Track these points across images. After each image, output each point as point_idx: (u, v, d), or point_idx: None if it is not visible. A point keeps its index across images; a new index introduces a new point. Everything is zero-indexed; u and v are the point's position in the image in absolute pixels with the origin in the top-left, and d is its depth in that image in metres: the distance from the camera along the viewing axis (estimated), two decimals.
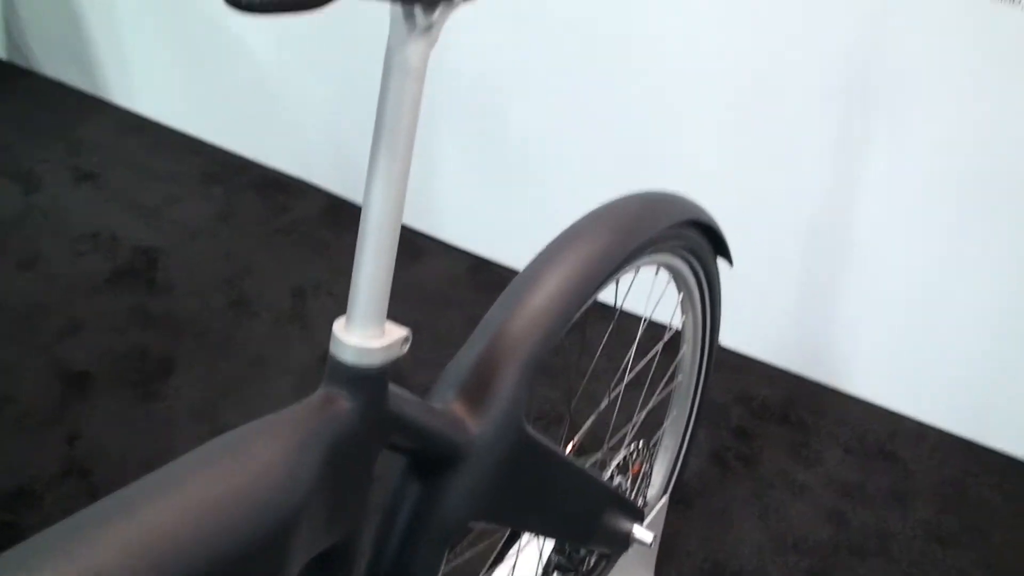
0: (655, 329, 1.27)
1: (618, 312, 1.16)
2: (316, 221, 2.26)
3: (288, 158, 2.41)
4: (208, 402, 1.75)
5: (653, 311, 1.20)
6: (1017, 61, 1.43)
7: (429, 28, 0.58)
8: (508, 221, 2.09)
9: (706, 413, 1.78)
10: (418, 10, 0.58)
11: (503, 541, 1.14)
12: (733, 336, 1.92)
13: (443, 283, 2.08)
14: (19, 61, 2.89)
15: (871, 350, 1.79)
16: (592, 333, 1.75)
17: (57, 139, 2.54)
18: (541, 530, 0.98)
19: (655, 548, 1.38)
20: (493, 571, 1.14)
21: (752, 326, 1.89)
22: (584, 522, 1.04)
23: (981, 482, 1.68)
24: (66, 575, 0.50)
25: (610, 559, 1.19)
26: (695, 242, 1.14)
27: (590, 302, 0.94)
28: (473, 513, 0.84)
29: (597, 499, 1.04)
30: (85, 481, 1.59)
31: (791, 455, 1.71)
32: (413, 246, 2.19)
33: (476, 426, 0.82)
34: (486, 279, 2.10)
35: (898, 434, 1.77)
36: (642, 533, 1.12)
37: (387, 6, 0.57)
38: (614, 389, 1.20)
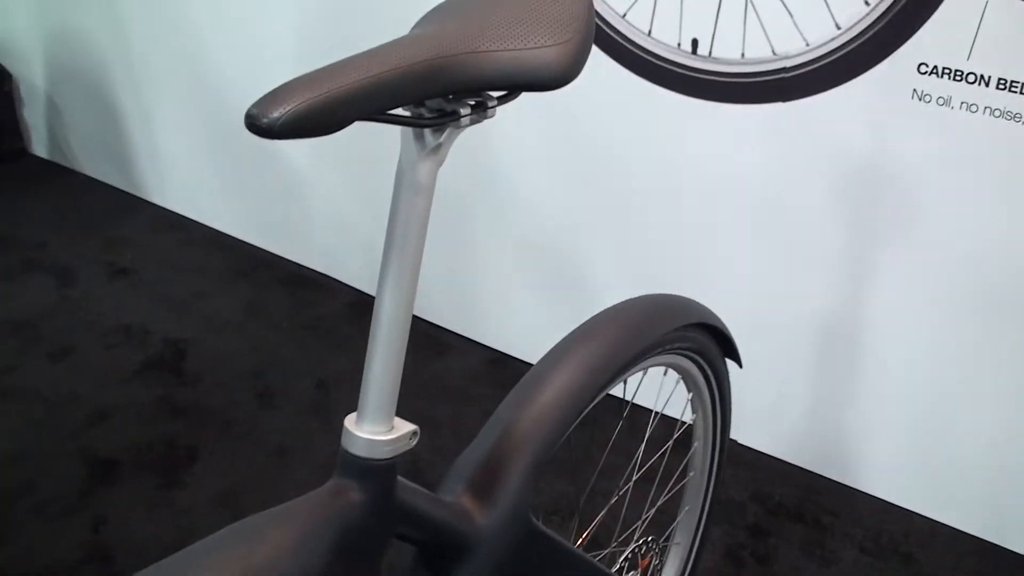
0: (667, 424, 1.30)
1: (629, 406, 1.19)
2: (340, 316, 2.32)
3: (315, 255, 2.49)
4: (230, 491, 1.78)
5: (664, 407, 1.24)
6: None
7: (438, 148, 0.64)
8: (533, 318, 2.14)
9: (721, 510, 1.79)
10: (427, 132, 0.63)
11: None
12: (751, 434, 1.94)
13: (465, 379, 2.12)
14: (60, 160, 3.01)
15: (886, 449, 1.80)
16: (606, 428, 1.78)
17: (93, 236, 2.63)
18: None
19: None
20: None
21: (770, 424, 1.91)
22: None
23: None
24: None
25: None
26: (703, 344, 1.18)
27: (597, 400, 0.98)
28: None
29: None
30: (107, 566, 1.62)
31: (806, 554, 1.71)
32: (438, 342, 2.24)
33: (483, 518, 0.85)
34: (507, 374, 2.14)
35: (912, 534, 1.77)
36: None
37: (399, 128, 0.63)
38: (624, 484, 1.22)
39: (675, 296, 1.14)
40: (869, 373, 1.76)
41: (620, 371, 1.00)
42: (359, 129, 2.18)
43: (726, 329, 1.20)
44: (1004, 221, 1.52)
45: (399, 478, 0.75)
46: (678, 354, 1.15)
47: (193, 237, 2.64)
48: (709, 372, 1.23)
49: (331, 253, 2.45)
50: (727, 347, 1.24)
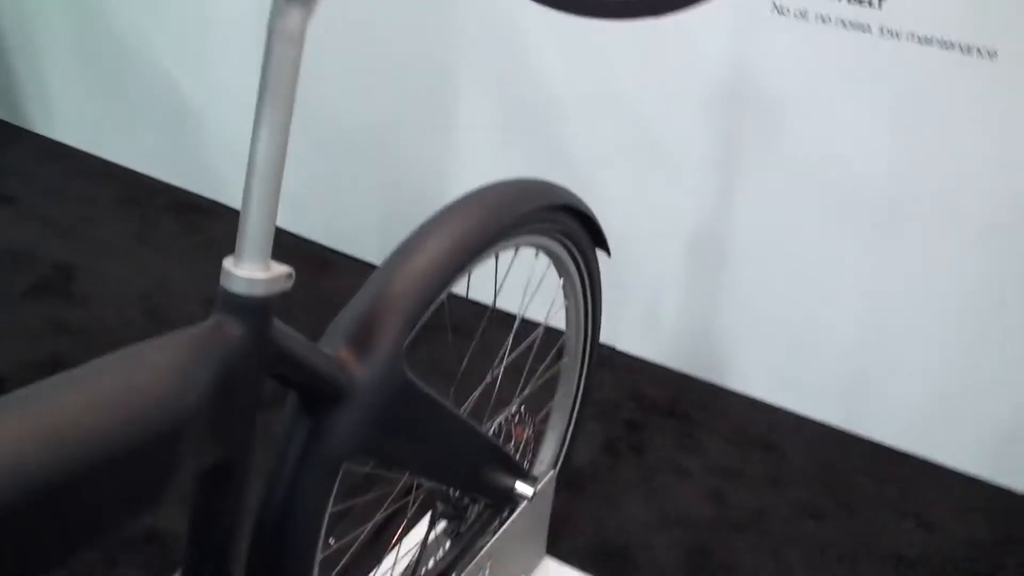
0: (539, 316, 1.38)
1: (497, 291, 1.27)
2: (229, 239, 2.33)
3: (204, 182, 2.50)
4: None
5: (534, 293, 1.32)
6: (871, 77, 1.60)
7: None
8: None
9: (599, 409, 1.89)
10: None
11: (397, 491, 1.23)
12: (628, 341, 2.05)
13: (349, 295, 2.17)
14: None
15: (752, 350, 1.93)
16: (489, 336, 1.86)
17: None
18: (423, 473, 1.08)
19: (545, 524, 1.48)
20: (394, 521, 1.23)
21: (646, 331, 2.02)
22: (466, 470, 1.14)
23: (851, 466, 1.82)
24: None
25: (496, 512, 1.29)
26: (572, 228, 1.26)
27: (469, 268, 1.05)
28: (356, 449, 0.93)
29: (479, 450, 1.14)
30: None
31: (677, 445, 1.83)
32: (322, 260, 2.29)
33: (360, 370, 0.92)
34: None
35: (775, 425, 1.90)
36: (523, 488, 1.23)
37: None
38: (497, 366, 1.30)
39: (545, 181, 1.21)
40: (737, 280, 1.88)
41: (490, 242, 1.07)
42: (247, 56, 2.21)
43: (594, 216, 1.29)
44: (861, 128, 1.64)
45: (277, 321, 0.81)
46: (548, 237, 1.22)
47: (80, 167, 2.62)
48: (579, 257, 1.31)
49: (219, 179, 2.47)
50: (596, 235, 1.32)
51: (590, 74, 1.83)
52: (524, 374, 1.39)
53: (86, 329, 1.99)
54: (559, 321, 1.39)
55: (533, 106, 1.92)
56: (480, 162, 2.04)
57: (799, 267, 1.80)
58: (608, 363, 2.02)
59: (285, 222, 2.31)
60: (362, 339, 0.93)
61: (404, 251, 1.02)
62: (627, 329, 2.03)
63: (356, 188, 2.25)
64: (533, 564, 1.52)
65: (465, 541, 1.26)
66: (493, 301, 1.24)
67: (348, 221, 2.30)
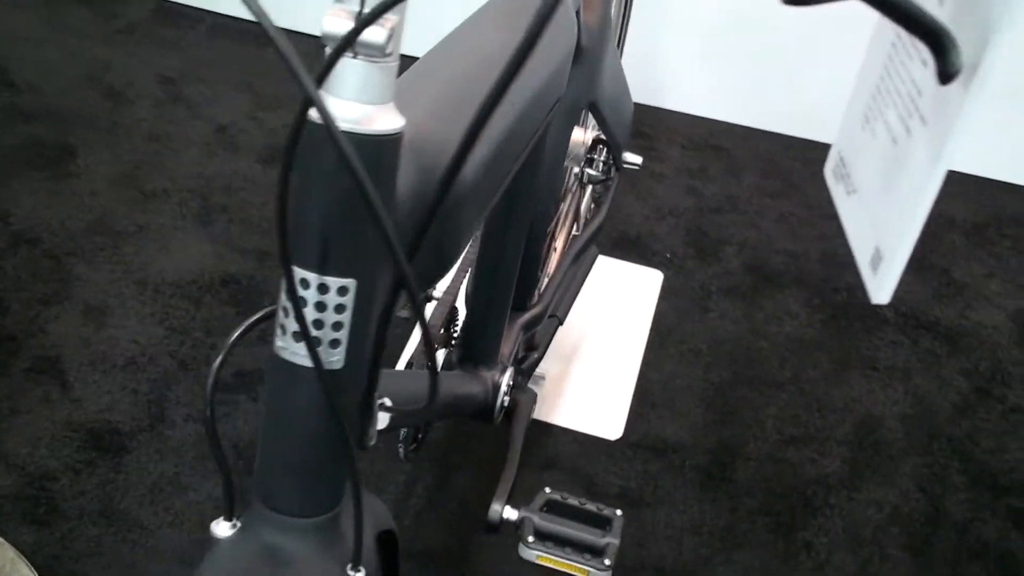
0: None
1: None
2: (151, 21, 2.29)
3: None
4: (125, 174, 1.82)
5: None
6: None
7: None
8: None
9: None
10: None
11: None
12: None
13: None
14: None
15: (687, 72, 2.18)
16: None
17: None
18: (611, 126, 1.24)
19: None
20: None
21: None
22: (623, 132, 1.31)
23: (788, 156, 2.14)
24: None
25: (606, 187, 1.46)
26: None
27: None
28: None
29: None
30: (35, 247, 1.64)
31: (646, 157, 2.07)
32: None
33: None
34: None
35: (718, 133, 2.18)
36: (632, 158, 1.42)
37: None
38: None
39: None
40: (673, 8, 2.09)
41: None
42: None
43: None
44: None
45: None
46: None
47: None
48: None
49: None
50: None
51: None
52: None
53: (53, 114, 1.94)
54: None
55: None
56: None
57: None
58: None
59: None
60: None
61: None
62: None
63: None
64: None
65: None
66: None
67: None
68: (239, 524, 0.59)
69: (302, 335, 0.52)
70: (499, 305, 1.06)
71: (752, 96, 2.17)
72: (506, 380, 1.09)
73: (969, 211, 2.03)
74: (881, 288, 0.43)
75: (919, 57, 0.43)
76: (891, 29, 0.48)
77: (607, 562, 0.92)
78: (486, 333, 1.08)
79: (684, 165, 2.07)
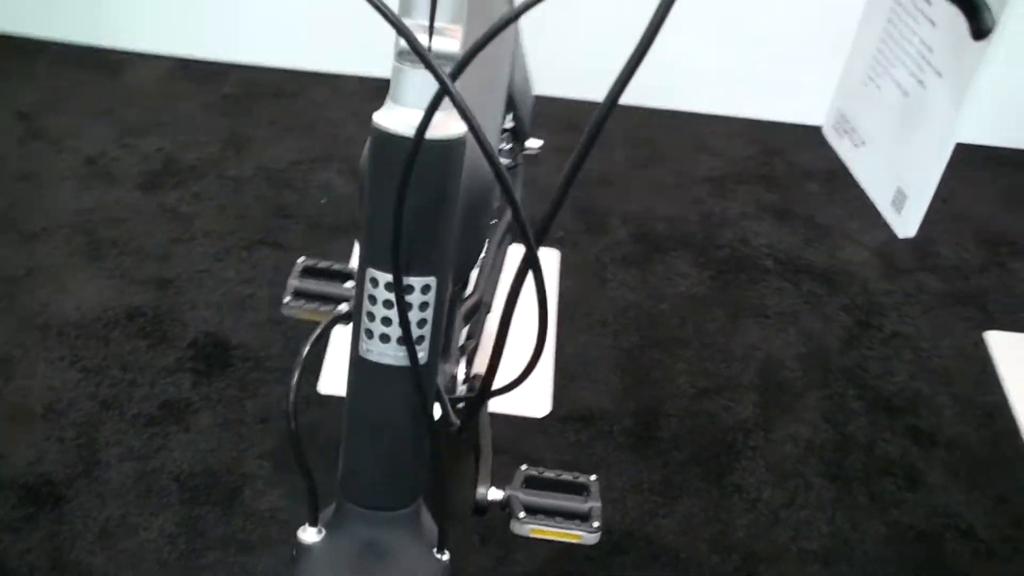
0: None
1: None
2: None
3: None
4: None
5: None
6: None
7: None
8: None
9: None
10: None
11: None
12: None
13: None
14: None
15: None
16: None
17: None
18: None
19: None
20: None
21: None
22: None
23: (651, 126, 2.24)
24: None
25: None
26: None
27: None
28: None
29: None
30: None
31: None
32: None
33: None
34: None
35: (580, 111, 2.25)
36: None
37: None
38: None
39: None
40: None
41: None
42: None
43: None
44: None
45: None
46: None
47: None
48: None
49: None
50: None
51: None
52: None
53: None
54: None
55: None
56: None
57: None
58: None
59: None
60: None
61: None
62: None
63: None
64: None
65: None
66: None
67: None
68: (323, 529, 0.62)
69: (404, 336, 0.55)
70: (450, 297, 1.09)
71: (611, 72, 2.26)
72: (460, 370, 1.13)
73: (823, 161, 2.19)
74: (908, 223, 0.50)
75: (926, 19, 0.50)
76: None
77: (595, 524, 0.98)
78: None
79: (556, 145, 2.14)
